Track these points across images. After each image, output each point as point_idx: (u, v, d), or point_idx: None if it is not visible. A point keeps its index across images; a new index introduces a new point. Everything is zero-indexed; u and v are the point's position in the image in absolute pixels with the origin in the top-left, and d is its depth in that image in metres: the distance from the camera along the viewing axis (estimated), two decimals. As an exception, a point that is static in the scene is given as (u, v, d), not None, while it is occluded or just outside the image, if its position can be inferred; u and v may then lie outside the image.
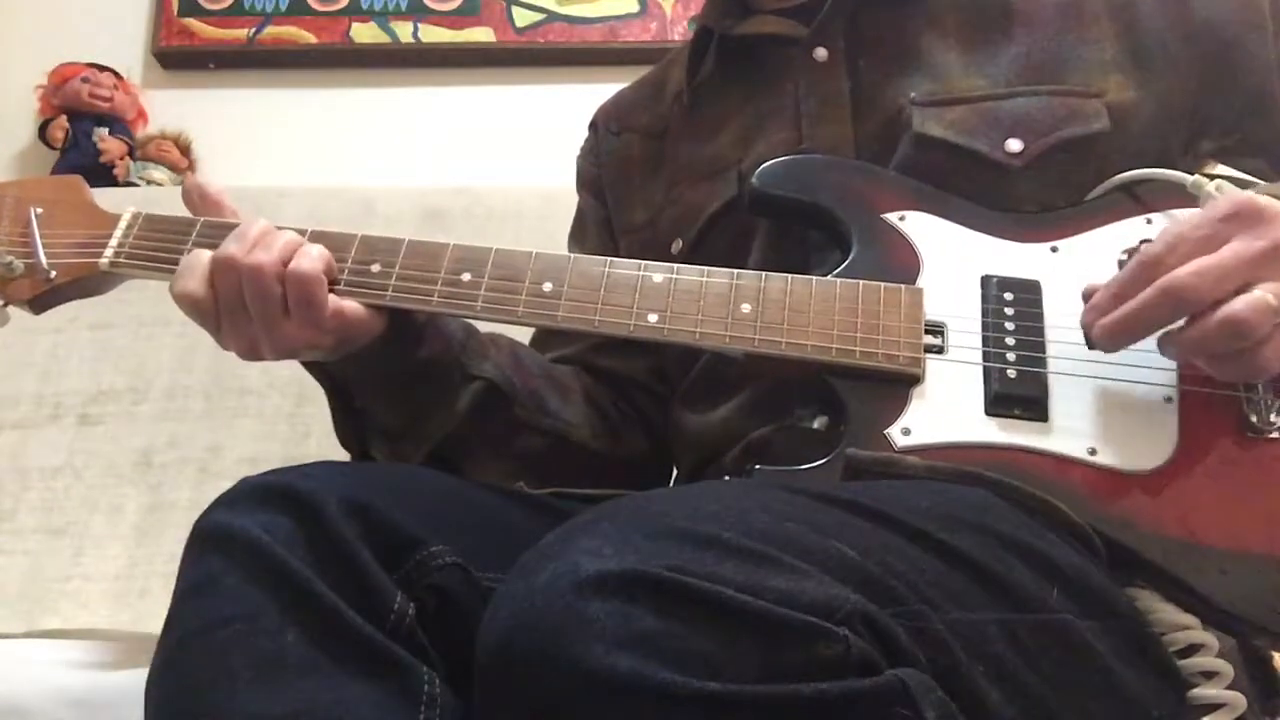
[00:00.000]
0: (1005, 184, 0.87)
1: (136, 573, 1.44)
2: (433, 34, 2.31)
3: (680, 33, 2.27)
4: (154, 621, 0.69)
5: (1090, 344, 0.75)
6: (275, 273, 0.80)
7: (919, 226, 0.86)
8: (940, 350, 0.80)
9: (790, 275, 0.83)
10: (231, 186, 0.92)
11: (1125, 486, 0.74)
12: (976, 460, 0.75)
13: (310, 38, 2.31)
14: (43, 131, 2.23)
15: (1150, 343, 0.76)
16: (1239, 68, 0.90)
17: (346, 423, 0.93)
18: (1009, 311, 0.81)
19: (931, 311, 0.81)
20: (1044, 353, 0.79)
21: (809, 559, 0.57)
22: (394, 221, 1.68)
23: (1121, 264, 0.82)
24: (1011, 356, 0.79)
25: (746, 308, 0.81)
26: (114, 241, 0.88)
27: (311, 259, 0.81)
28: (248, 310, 0.80)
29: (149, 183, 2.16)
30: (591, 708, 0.53)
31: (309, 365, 0.90)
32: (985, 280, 0.83)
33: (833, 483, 0.74)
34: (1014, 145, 0.87)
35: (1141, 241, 0.81)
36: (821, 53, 0.95)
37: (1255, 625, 0.72)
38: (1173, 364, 0.77)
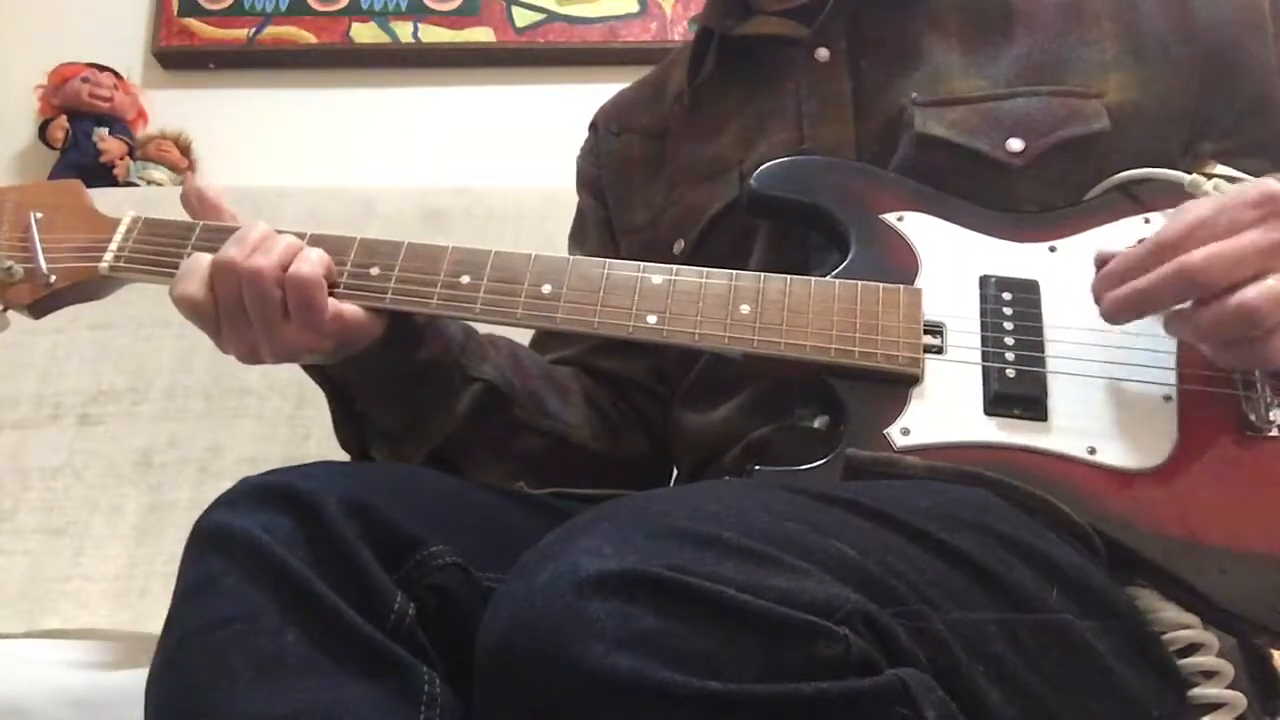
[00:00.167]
0: (1006, 184, 0.87)
1: (136, 573, 1.44)
2: (433, 34, 2.30)
3: (680, 33, 2.27)
4: (154, 621, 0.69)
5: (1101, 313, 0.75)
6: (275, 277, 0.80)
7: (917, 227, 0.86)
8: (939, 350, 0.80)
9: (789, 276, 0.83)
10: (231, 186, 0.93)
11: (1125, 486, 0.75)
12: (976, 460, 0.75)
13: (310, 38, 2.31)
14: (43, 131, 2.23)
15: (1150, 341, 0.76)
16: (1239, 69, 0.90)
17: (347, 425, 0.93)
18: (1008, 311, 0.81)
19: (930, 312, 0.81)
20: (1043, 352, 0.79)
21: (809, 559, 0.58)
22: (394, 222, 1.68)
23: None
24: (1010, 356, 0.79)
25: (745, 309, 0.81)
26: (114, 246, 0.88)
27: (311, 263, 0.81)
28: (247, 314, 0.80)
29: (149, 183, 2.15)
30: (592, 707, 0.53)
31: (308, 368, 0.90)
32: (984, 280, 0.83)
33: (833, 483, 0.75)
34: (1015, 145, 0.87)
35: (1141, 241, 0.81)
36: (823, 53, 0.95)
37: (1255, 624, 0.72)
38: (1172, 363, 0.77)
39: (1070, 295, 0.81)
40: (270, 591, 0.66)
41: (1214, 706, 0.69)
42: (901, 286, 0.82)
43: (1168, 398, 0.77)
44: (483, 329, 0.95)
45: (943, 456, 0.76)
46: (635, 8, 2.30)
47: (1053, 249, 0.84)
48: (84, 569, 1.44)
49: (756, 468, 0.78)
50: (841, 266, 0.84)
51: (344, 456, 0.95)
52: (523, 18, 2.30)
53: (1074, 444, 0.76)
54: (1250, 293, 0.68)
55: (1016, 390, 0.78)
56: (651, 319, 0.82)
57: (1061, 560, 0.68)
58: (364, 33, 2.31)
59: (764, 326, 0.81)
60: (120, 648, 1.11)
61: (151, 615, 1.34)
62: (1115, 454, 0.75)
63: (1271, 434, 0.75)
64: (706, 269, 0.83)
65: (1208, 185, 0.81)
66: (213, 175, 2.21)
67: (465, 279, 0.84)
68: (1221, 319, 0.69)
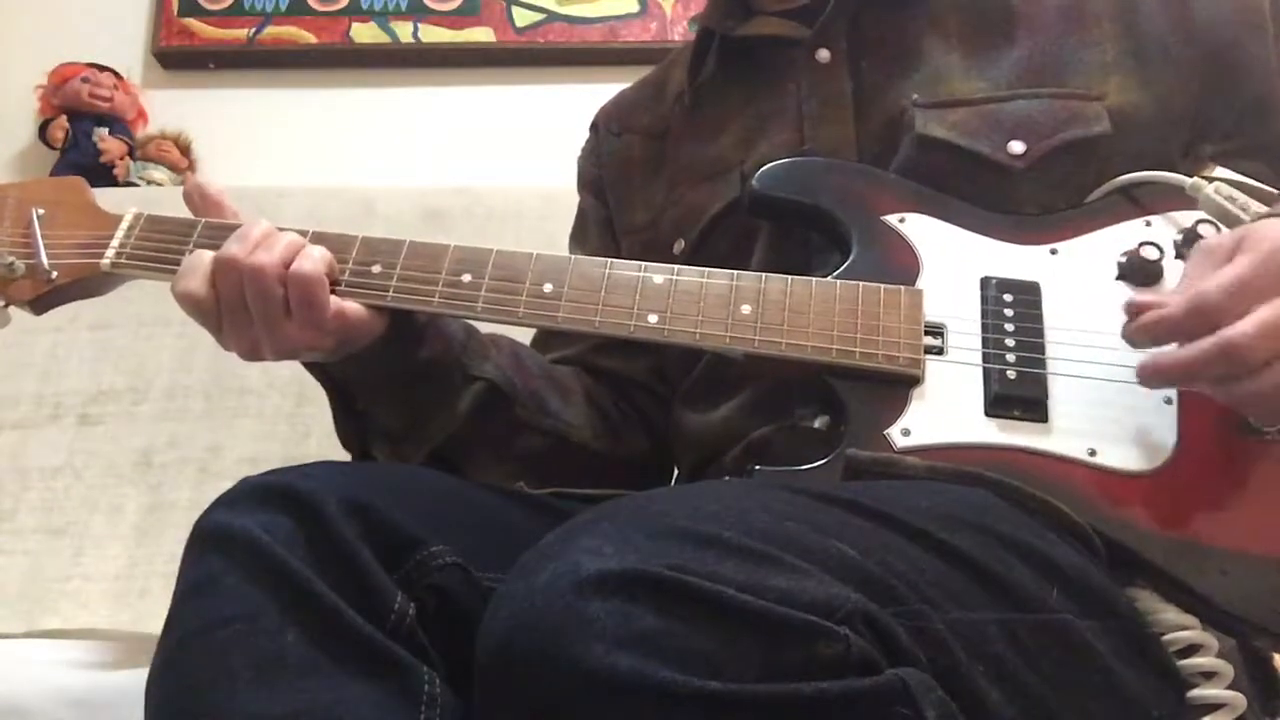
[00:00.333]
0: (1007, 186, 0.87)
1: (136, 573, 1.44)
2: (433, 34, 2.31)
3: (680, 33, 2.27)
4: (154, 621, 0.69)
5: (1137, 376, 0.73)
6: (277, 274, 0.80)
7: (919, 228, 0.86)
8: (940, 351, 0.80)
9: (790, 276, 0.83)
10: (231, 186, 0.92)
11: (1125, 487, 0.75)
12: (976, 461, 0.75)
13: (310, 38, 2.31)
14: (43, 131, 2.23)
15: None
16: (1240, 70, 0.91)
17: (347, 424, 0.93)
18: (1008, 313, 0.81)
19: (931, 313, 0.81)
20: (1044, 354, 0.79)
21: (809, 558, 0.58)
22: (394, 221, 1.68)
23: (1121, 266, 0.82)
24: (1011, 358, 0.79)
25: (747, 309, 0.81)
26: (115, 242, 0.88)
27: (313, 260, 0.81)
28: (249, 311, 0.80)
29: (149, 183, 2.15)
30: (592, 707, 0.53)
31: (310, 366, 0.90)
32: (985, 282, 0.83)
33: (833, 483, 0.75)
34: (1016, 147, 0.87)
35: (1143, 244, 0.82)
36: (824, 54, 0.95)
37: (1256, 626, 0.72)
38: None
39: (1071, 297, 0.81)
40: (270, 591, 0.66)
41: (1214, 707, 0.69)
42: (903, 287, 0.82)
43: (1168, 400, 0.77)
44: (484, 328, 0.95)
45: (943, 457, 0.76)
46: (635, 8, 2.31)
47: (1054, 251, 0.84)
48: (84, 569, 1.44)
49: (757, 468, 0.78)
50: (843, 267, 0.84)
51: (344, 456, 0.95)
52: (523, 18, 2.30)
53: (1074, 445, 0.76)
54: None
55: (1017, 391, 0.78)
56: (653, 318, 0.82)
57: (1061, 560, 0.68)
58: (364, 33, 2.31)
59: (765, 326, 0.81)
60: (120, 648, 1.11)
61: (151, 615, 1.34)
62: (1115, 456, 0.75)
63: (1271, 437, 0.75)
64: (708, 269, 0.83)
65: (1209, 189, 0.81)
66: (213, 175, 2.21)
67: (467, 278, 0.84)
68: (1269, 390, 0.67)
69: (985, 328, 0.81)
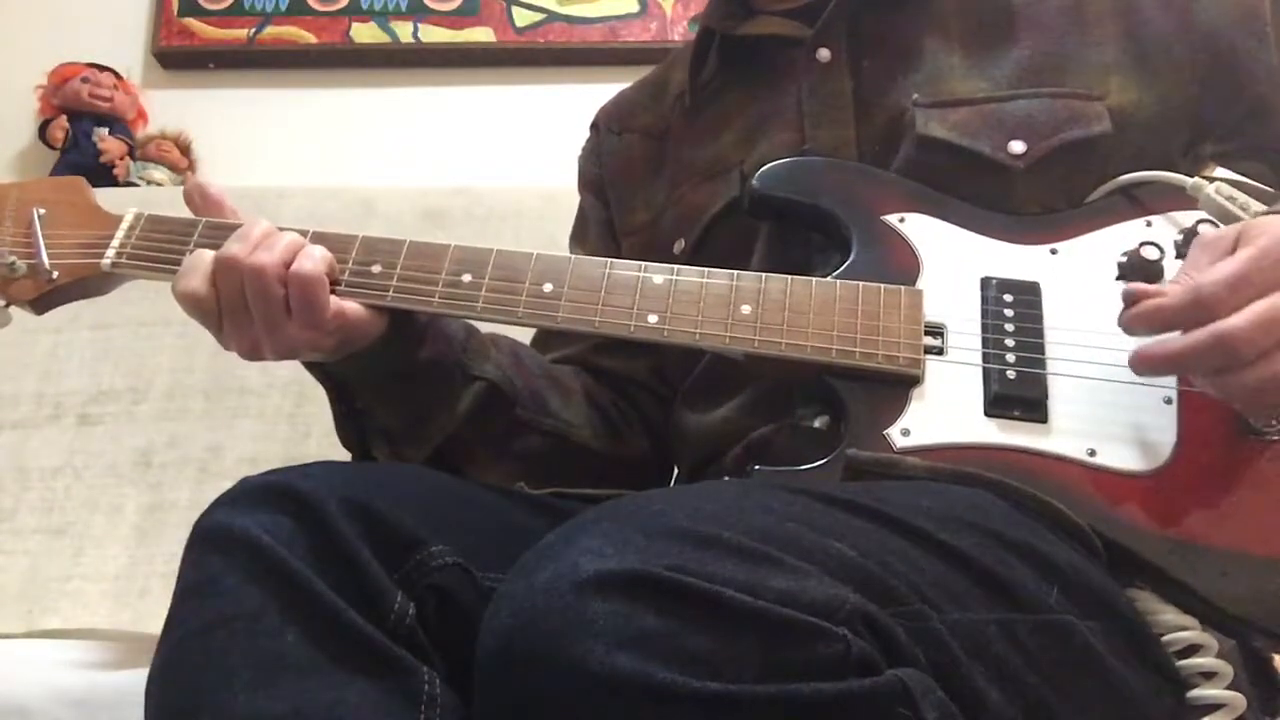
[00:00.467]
0: (1007, 186, 0.87)
1: (136, 573, 1.44)
2: (433, 34, 2.31)
3: (680, 33, 2.27)
4: (154, 621, 0.69)
5: (1130, 364, 0.73)
6: (277, 274, 0.80)
7: (919, 228, 0.86)
8: (940, 351, 0.80)
9: (790, 276, 0.83)
10: (231, 186, 0.93)
11: (1125, 487, 0.75)
12: (976, 461, 0.75)
13: (310, 38, 2.31)
14: (43, 131, 2.23)
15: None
16: (1240, 71, 0.90)
17: (348, 423, 0.93)
18: (1009, 313, 0.81)
19: (931, 313, 0.81)
20: (1044, 354, 0.79)
21: (809, 559, 0.58)
22: (394, 221, 1.68)
23: (1121, 266, 0.82)
24: (1011, 358, 0.79)
25: (747, 309, 0.81)
26: (116, 242, 0.88)
27: (314, 260, 0.81)
28: (249, 311, 0.80)
29: (149, 183, 2.15)
30: (592, 707, 0.53)
31: (310, 366, 0.90)
32: (985, 282, 0.83)
33: (833, 483, 0.75)
34: (1017, 147, 0.87)
35: (1143, 244, 0.82)
36: (824, 53, 0.95)
37: (1255, 626, 0.72)
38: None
39: (1071, 297, 0.81)
40: (270, 591, 0.66)
41: (1214, 707, 0.69)
42: (903, 287, 0.82)
43: (1168, 400, 0.77)
44: (484, 328, 0.95)
45: (943, 457, 0.76)
46: (635, 8, 2.30)
47: (1054, 251, 0.84)
48: (84, 569, 1.44)
49: (756, 468, 0.78)
50: (843, 267, 0.84)
51: (344, 456, 0.95)
52: (523, 18, 2.30)
53: (1074, 446, 0.76)
54: None
55: (1017, 392, 0.78)
56: (653, 318, 0.82)
57: (1061, 561, 0.68)
58: (364, 33, 2.31)
59: (765, 327, 0.81)
60: (120, 648, 1.11)
61: (151, 615, 1.34)
62: (1115, 456, 0.75)
63: (1271, 437, 0.75)
64: (708, 269, 0.83)
65: (1209, 189, 0.81)
66: (213, 175, 2.21)
67: (467, 277, 0.84)
68: (1261, 385, 0.67)
69: (985, 328, 0.81)
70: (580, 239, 1.13)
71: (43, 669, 1.05)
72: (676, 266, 0.84)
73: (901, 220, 0.86)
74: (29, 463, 1.53)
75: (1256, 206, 0.80)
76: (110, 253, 0.87)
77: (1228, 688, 0.70)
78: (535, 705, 0.55)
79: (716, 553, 0.56)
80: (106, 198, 0.92)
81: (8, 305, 0.88)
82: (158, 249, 0.87)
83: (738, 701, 0.52)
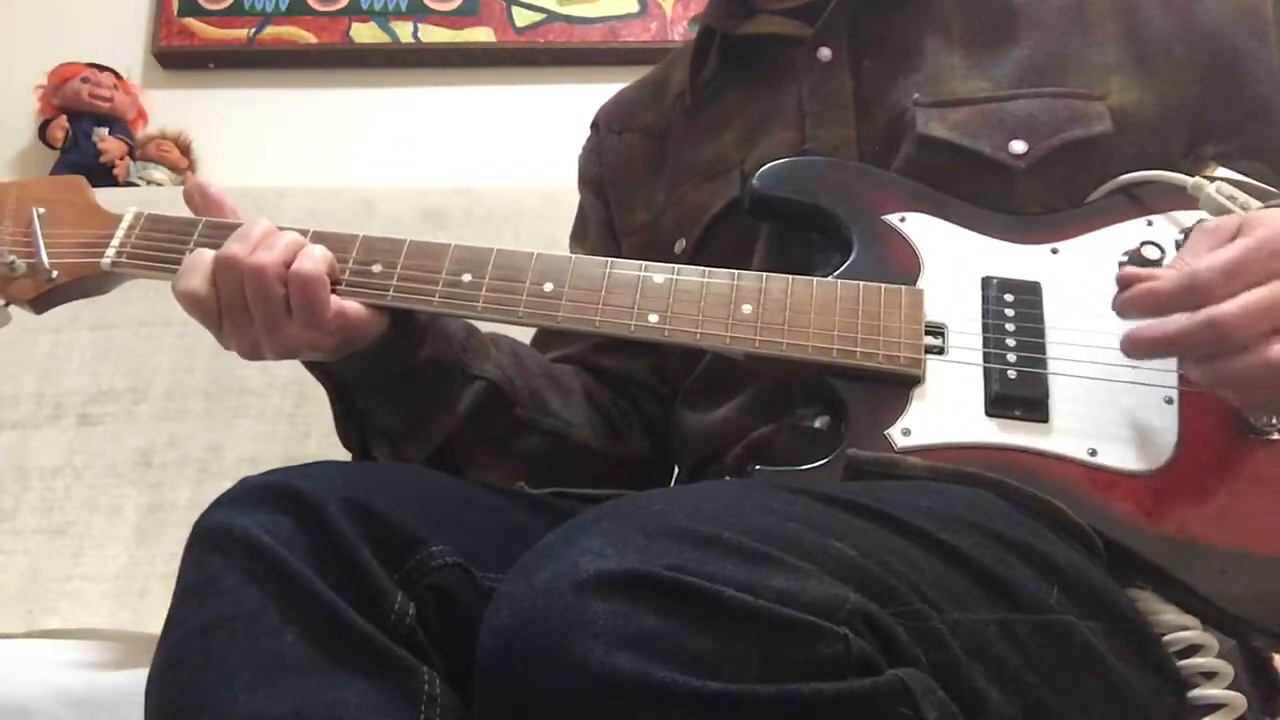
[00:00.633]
0: (1008, 185, 0.87)
1: (136, 573, 1.44)
2: (433, 34, 2.31)
3: (680, 33, 2.27)
4: (154, 621, 0.69)
5: (1121, 346, 0.73)
6: (277, 273, 0.80)
7: (919, 228, 0.86)
8: (940, 351, 0.80)
9: (791, 276, 0.83)
10: (231, 186, 0.92)
11: (1125, 487, 0.75)
12: (977, 461, 0.75)
13: (310, 38, 2.31)
14: (43, 131, 2.23)
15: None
16: (1241, 72, 0.90)
17: (348, 423, 0.93)
18: (1009, 313, 0.81)
19: (932, 312, 0.81)
20: (1044, 354, 0.79)
21: (809, 559, 0.58)
22: (394, 221, 1.68)
23: (1122, 265, 0.82)
24: (1012, 358, 0.79)
25: (747, 308, 0.81)
26: (116, 241, 0.88)
27: (314, 260, 0.81)
28: (250, 310, 0.80)
29: (149, 183, 2.16)
30: (592, 707, 0.53)
31: (310, 365, 0.90)
32: (986, 281, 0.83)
33: (833, 483, 0.75)
34: (1018, 147, 0.87)
35: (1144, 243, 0.82)
36: (825, 53, 0.95)
37: (1256, 626, 0.72)
38: (1173, 365, 0.77)
39: (1072, 297, 0.81)
40: (270, 591, 0.66)
41: (1214, 707, 0.69)
42: (903, 287, 0.82)
43: (1169, 400, 0.77)
44: (485, 327, 0.95)
45: (943, 457, 0.76)
46: (635, 8, 2.31)
47: (1055, 251, 0.84)
48: (84, 569, 1.44)
49: (757, 468, 0.78)
50: (844, 267, 0.84)
51: (345, 456, 0.95)
52: (523, 18, 2.31)
53: (1075, 445, 0.76)
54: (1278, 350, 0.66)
55: (1018, 391, 0.78)
56: (653, 318, 0.82)
57: (1062, 561, 0.68)
58: (364, 33, 2.31)
59: (766, 326, 0.81)
60: (120, 648, 1.11)
61: (151, 615, 1.34)
62: (1116, 456, 0.75)
63: (1272, 437, 0.75)
64: (709, 268, 0.83)
65: (1210, 189, 0.81)
66: (213, 175, 2.21)
67: (467, 277, 0.84)
68: (1250, 373, 0.67)
69: (986, 327, 0.81)
70: (580, 238, 1.13)
71: (43, 669, 1.05)
72: (677, 266, 0.84)
73: (902, 220, 0.86)
74: (29, 463, 1.53)
75: (1257, 206, 0.80)
76: (110, 252, 0.87)
77: (1228, 688, 0.70)
78: (535, 705, 0.55)
79: (716, 552, 0.56)
80: (106, 197, 0.92)
81: (7, 305, 0.88)
82: (158, 248, 0.87)
83: (738, 701, 0.52)
